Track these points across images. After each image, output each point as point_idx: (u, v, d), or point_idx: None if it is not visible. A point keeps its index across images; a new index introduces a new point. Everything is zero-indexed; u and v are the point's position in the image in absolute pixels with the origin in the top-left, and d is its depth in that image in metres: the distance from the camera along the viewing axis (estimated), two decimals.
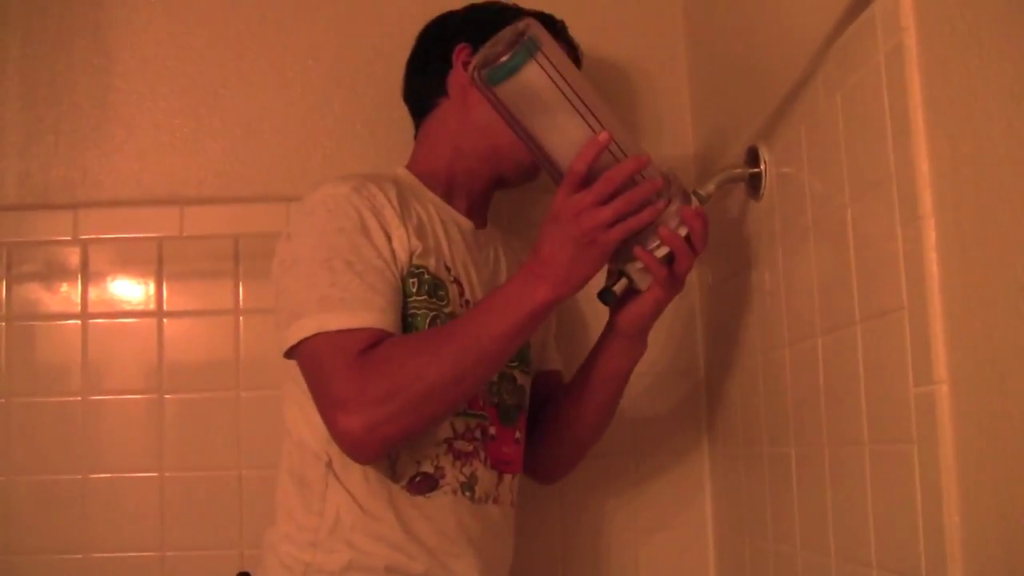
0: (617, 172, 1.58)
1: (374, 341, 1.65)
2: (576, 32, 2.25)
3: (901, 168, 1.32)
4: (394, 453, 1.74)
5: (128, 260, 2.36)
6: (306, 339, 1.66)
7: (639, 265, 1.68)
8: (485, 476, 1.85)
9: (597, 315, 1.95)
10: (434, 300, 1.80)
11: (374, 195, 1.78)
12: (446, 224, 1.93)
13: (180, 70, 2.44)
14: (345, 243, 1.71)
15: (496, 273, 2.02)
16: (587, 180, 1.59)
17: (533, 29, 1.56)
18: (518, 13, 2.00)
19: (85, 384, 2.33)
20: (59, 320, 2.34)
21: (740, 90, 2.08)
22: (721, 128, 2.22)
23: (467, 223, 2.00)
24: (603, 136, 1.57)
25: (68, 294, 2.35)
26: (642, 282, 1.72)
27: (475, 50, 1.92)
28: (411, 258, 1.78)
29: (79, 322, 2.34)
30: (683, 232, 1.65)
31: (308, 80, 2.42)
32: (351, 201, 1.75)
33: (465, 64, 1.96)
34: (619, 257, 1.68)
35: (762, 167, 1.87)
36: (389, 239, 1.76)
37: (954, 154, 1.23)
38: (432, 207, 1.92)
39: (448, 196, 1.99)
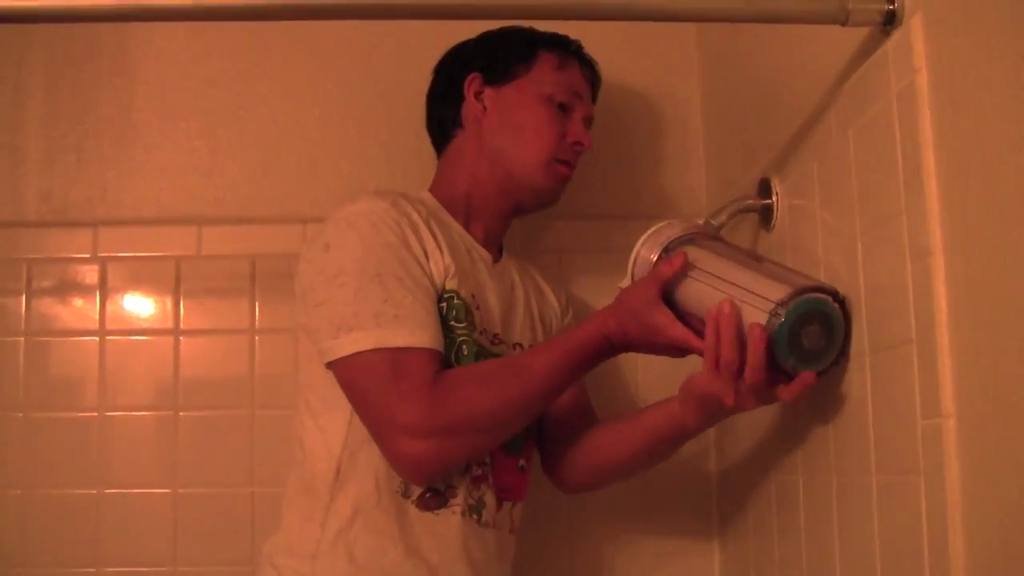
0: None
1: (436, 364, 1.70)
2: None
3: (911, 204, 1.35)
4: None
5: (146, 278, 2.38)
6: (360, 353, 1.68)
7: None
8: (491, 501, 1.85)
9: None
10: (462, 325, 1.82)
11: (410, 212, 1.81)
12: (470, 251, 1.95)
13: (200, 91, 2.47)
14: (393, 258, 1.74)
15: (513, 305, 2.03)
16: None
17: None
18: (529, 38, 2.05)
19: (101, 400, 2.34)
20: (76, 336, 2.37)
21: (753, 123, 2.11)
22: (734, 160, 2.24)
23: (484, 253, 2.01)
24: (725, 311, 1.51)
25: (86, 310, 2.37)
26: None
27: (486, 79, 2.03)
28: (444, 280, 1.81)
29: (96, 338, 2.36)
30: None
31: (326, 103, 2.45)
32: (392, 215, 1.77)
33: (477, 94, 2.02)
34: None
35: (774, 199, 1.89)
36: (427, 258, 1.80)
37: (964, 192, 1.25)
38: (456, 234, 1.94)
39: (467, 225, 2.00)
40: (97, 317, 2.37)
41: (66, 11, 1.39)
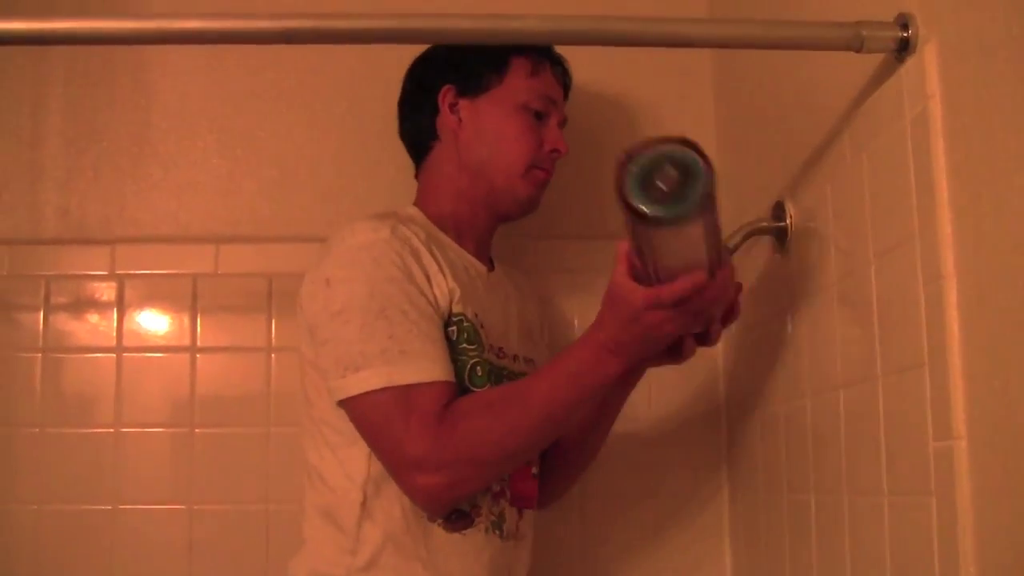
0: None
1: (445, 396, 1.70)
2: (607, 89, 2.32)
3: (924, 229, 1.36)
4: None
5: (163, 296, 2.40)
6: (368, 392, 1.69)
7: None
8: (509, 514, 1.88)
9: None
10: (473, 347, 1.83)
11: (410, 238, 1.80)
12: (467, 268, 1.95)
13: (218, 111, 2.49)
14: (397, 292, 1.73)
15: (507, 315, 2.02)
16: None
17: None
18: (503, 49, 2.00)
19: (117, 416, 2.35)
20: (93, 353, 2.38)
21: (767, 146, 2.12)
22: (748, 182, 2.26)
23: (480, 266, 2.01)
24: (700, 280, 1.47)
25: (103, 327, 2.39)
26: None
27: (459, 91, 2.01)
28: (450, 304, 1.81)
29: (113, 355, 2.38)
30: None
31: (342, 124, 2.47)
32: (393, 247, 1.76)
33: (451, 106, 2.01)
34: None
35: (788, 221, 1.90)
36: (430, 284, 1.79)
37: (976, 217, 1.27)
38: (450, 251, 1.93)
39: (459, 240, 2.00)
40: (114, 334, 2.38)
41: (82, 34, 1.41)
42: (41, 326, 2.38)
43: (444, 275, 1.82)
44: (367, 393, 1.69)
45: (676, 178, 1.39)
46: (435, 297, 1.79)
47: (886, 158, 1.49)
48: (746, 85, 2.30)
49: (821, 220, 1.76)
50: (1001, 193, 1.22)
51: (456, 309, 1.82)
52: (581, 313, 2.42)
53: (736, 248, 1.90)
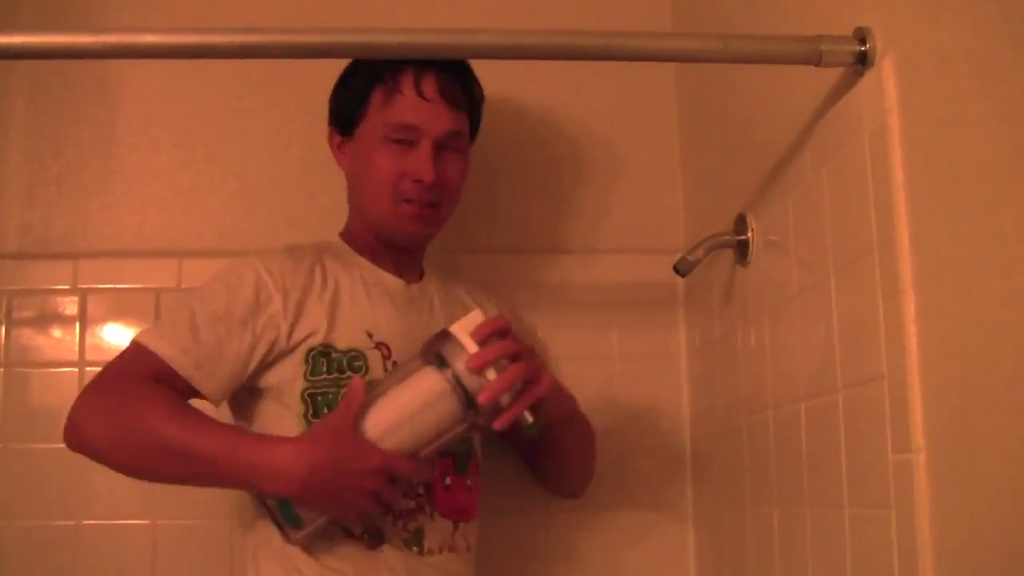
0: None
1: (160, 369, 1.78)
2: (570, 103, 2.32)
3: (883, 243, 1.37)
4: None
5: (126, 310, 2.38)
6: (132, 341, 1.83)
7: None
8: (436, 528, 1.89)
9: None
10: (346, 374, 1.85)
11: (282, 273, 1.88)
12: (370, 287, 1.97)
13: (182, 125, 2.47)
14: (226, 300, 1.84)
15: (432, 326, 1.96)
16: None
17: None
18: (363, 78, 2.00)
19: None
20: (56, 367, 2.36)
21: (730, 160, 2.13)
22: (711, 196, 2.27)
23: (396, 282, 2.02)
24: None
25: (66, 342, 2.37)
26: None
27: (340, 132, 2.05)
28: (307, 337, 1.86)
29: (76, 370, 2.35)
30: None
31: (307, 138, 2.44)
32: (250, 266, 1.88)
33: (339, 147, 2.06)
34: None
35: (750, 235, 1.91)
36: (285, 317, 1.85)
37: (934, 231, 1.28)
38: (359, 272, 1.98)
39: (376, 258, 2.03)
40: (77, 349, 2.36)
41: (41, 48, 1.41)
42: (3, 340, 2.36)
43: (304, 307, 1.87)
44: (133, 340, 1.83)
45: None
46: (280, 329, 1.84)
47: (845, 172, 1.50)
48: (709, 99, 2.31)
49: (782, 233, 1.77)
50: (959, 207, 1.23)
51: (325, 340, 1.87)
52: (545, 326, 2.42)
53: (699, 261, 1.91)
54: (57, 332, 2.38)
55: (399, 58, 1.88)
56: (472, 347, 1.71)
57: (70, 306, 2.38)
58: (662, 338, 2.46)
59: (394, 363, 1.90)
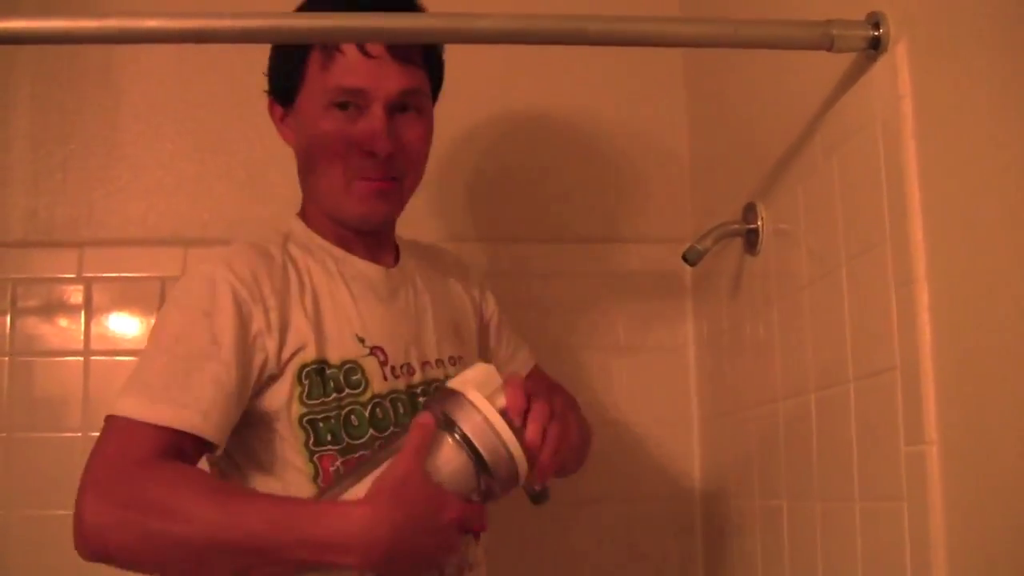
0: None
1: (167, 441, 1.45)
2: (577, 89, 2.30)
3: (896, 232, 1.35)
4: None
5: (131, 299, 2.37)
6: (111, 416, 1.47)
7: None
8: (470, 552, 1.74)
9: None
10: (345, 393, 1.62)
11: (254, 281, 1.59)
12: (350, 282, 1.72)
13: (187, 113, 2.46)
14: (202, 332, 1.52)
15: (418, 317, 1.80)
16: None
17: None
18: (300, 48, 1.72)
19: (85, 420, 2.32)
20: (61, 356, 2.35)
21: (739, 148, 2.11)
22: (720, 184, 2.25)
23: (374, 270, 1.77)
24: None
25: (71, 331, 2.36)
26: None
27: (281, 103, 1.77)
28: (296, 353, 1.59)
29: (81, 359, 2.35)
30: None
31: None
32: (221, 278, 1.56)
33: (281, 120, 1.78)
34: None
35: (759, 224, 1.89)
36: (270, 332, 1.57)
37: (948, 220, 1.26)
38: (332, 262, 1.72)
39: (344, 243, 1.76)
40: (82, 337, 2.35)
41: (49, 33, 1.39)
42: (8, 329, 2.34)
43: (288, 320, 1.60)
44: (110, 417, 1.47)
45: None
46: (268, 350, 1.57)
47: (857, 159, 1.48)
48: (718, 85, 2.29)
49: (792, 222, 1.75)
50: (973, 195, 1.21)
51: (316, 356, 1.61)
52: (551, 316, 2.41)
53: (707, 250, 1.89)
54: (62, 321, 2.37)
55: (404, 42, 1.65)
56: (493, 415, 1.46)
57: (75, 295, 2.37)
58: (670, 328, 2.44)
59: (392, 368, 1.69)
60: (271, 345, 1.56)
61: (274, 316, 1.58)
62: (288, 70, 1.72)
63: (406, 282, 1.83)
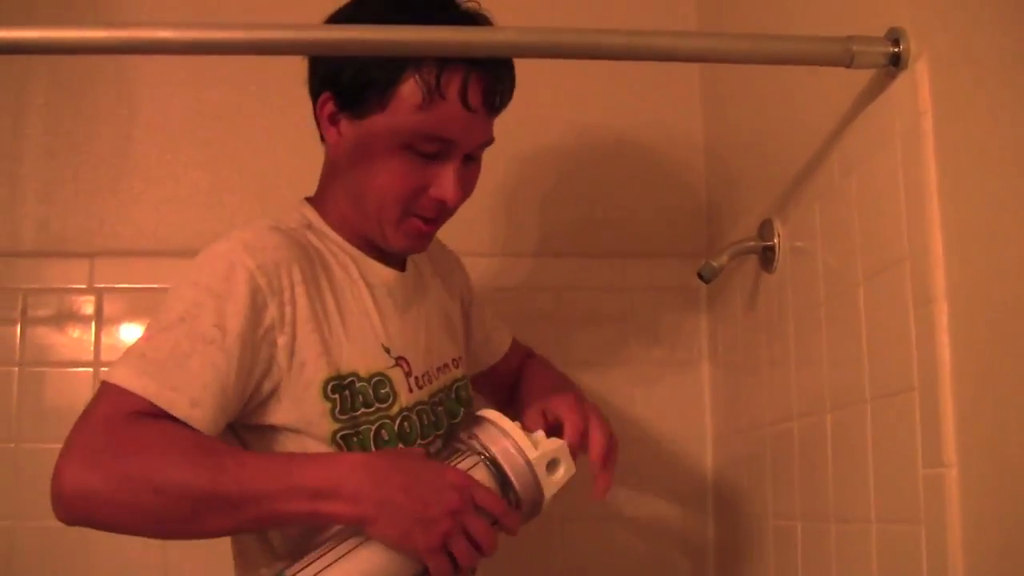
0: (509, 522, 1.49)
1: (154, 415, 1.39)
2: (593, 103, 2.28)
3: (915, 250, 1.34)
4: None
5: (142, 310, 2.36)
6: (105, 383, 1.42)
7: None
8: None
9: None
10: (374, 408, 1.57)
11: (274, 269, 1.51)
12: (373, 288, 1.66)
13: (200, 124, 2.45)
14: (197, 311, 1.45)
15: (428, 322, 1.76)
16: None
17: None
18: (392, 57, 1.57)
19: None
20: (71, 367, 2.34)
21: (756, 164, 2.10)
22: (736, 200, 2.24)
23: (391, 275, 1.70)
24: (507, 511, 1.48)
25: (82, 341, 2.35)
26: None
27: (339, 104, 1.62)
28: (318, 359, 1.52)
29: (91, 370, 2.34)
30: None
31: None
32: (239, 263, 1.49)
33: (331, 117, 1.63)
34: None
35: (775, 241, 1.88)
36: (260, 322, 1.48)
37: (968, 238, 1.25)
38: (352, 264, 1.65)
39: (363, 244, 1.68)
40: (92, 348, 2.35)
41: (60, 43, 1.38)
42: (18, 339, 2.34)
43: (312, 323, 1.53)
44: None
45: None
46: (270, 340, 1.49)
47: (876, 176, 1.46)
48: (735, 101, 2.27)
49: (809, 239, 1.74)
50: (993, 214, 1.20)
51: (346, 370, 1.55)
52: (564, 330, 2.40)
53: (722, 268, 1.88)
54: (73, 331, 2.36)
55: (420, 56, 1.53)
56: (522, 438, 1.51)
57: (86, 305, 2.36)
58: (684, 344, 2.43)
59: (415, 379, 1.65)
60: (283, 341, 1.49)
61: (289, 311, 1.50)
62: (371, 82, 1.57)
63: (417, 285, 1.78)
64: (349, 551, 1.39)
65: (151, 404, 1.38)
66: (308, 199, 1.75)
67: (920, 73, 1.35)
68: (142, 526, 1.37)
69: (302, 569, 1.38)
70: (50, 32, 1.35)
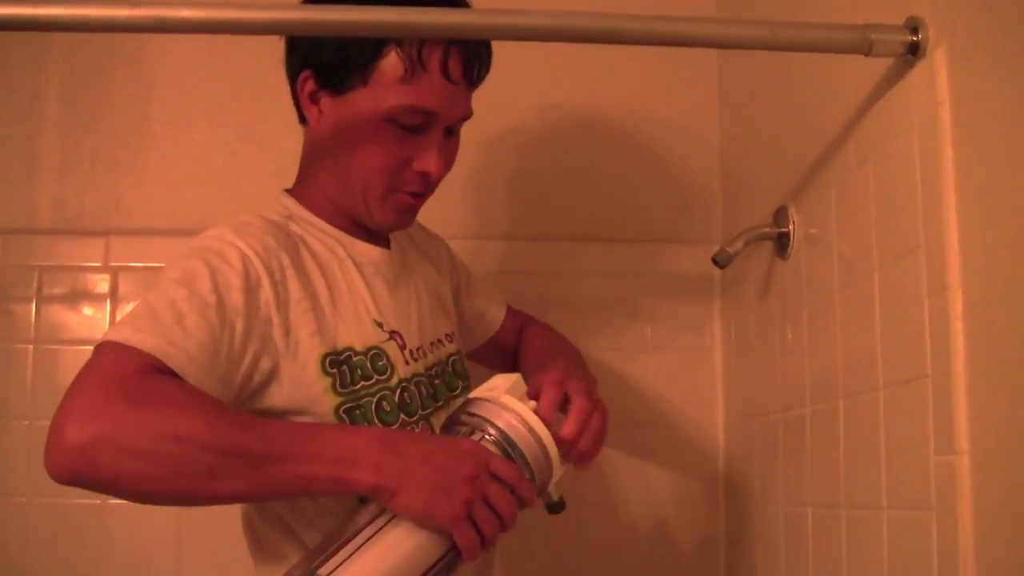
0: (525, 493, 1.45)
1: (155, 369, 1.34)
2: (609, 89, 2.27)
3: (930, 238, 1.34)
4: None
5: None
6: (106, 343, 1.36)
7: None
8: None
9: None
10: (373, 380, 1.58)
11: (264, 252, 1.52)
12: (361, 267, 1.68)
13: (217, 104, 2.46)
14: (194, 280, 1.44)
15: (418, 298, 1.77)
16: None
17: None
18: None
19: None
20: (86, 345, 2.30)
21: (771, 151, 2.10)
22: (751, 187, 2.24)
23: (377, 253, 1.71)
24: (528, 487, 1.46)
25: (96, 320, 2.36)
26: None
27: (320, 82, 1.63)
28: (314, 336, 1.53)
29: None
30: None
31: None
32: (228, 241, 1.51)
33: (311, 96, 1.65)
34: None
35: (790, 227, 1.88)
36: (253, 296, 1.47)
37: (983, 227, 1.25)
38: (338, 246, 1.67)
39: (347, 226, 1.70)
40: (107, 326, 2.33)
41: (83, 21, 1.38)
42: (34, 317, 2.35)
43: (304, 301, 1.54)
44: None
45: None
46: (265, 317, 1.48)
47: (893, 164, 1.46)
48: (751, 87, 2.27)
49: (824, 227, 1.74)
50: (1009, 204, 1.20)
51: (343, 344, 1.56)
52: (578, 315, 2.40)
53: (737, 254, 1.88)
54: (87, 309, 2.37)
55: (437, 37, 1.56)
56: (527, 413, 1.48)
57: (101, 284, 2.37)
58: (697, 330, 2.43)
59: (410, 351, 1.66)
60: (277, 320, 1.49)
61: (282, 291, 1.50)
62: (351, 58, 1.58)
63: (403, 262, 1.79)
64: (375, 533, 1.37)
65: (154, 358, 1.33)
66: (287, 190, 1.75)
67: (938, 62, 1.35)
68: (151, 480, 1.28)
69: (330, 557, 1.35)
70: (72, 9, 1.35)
